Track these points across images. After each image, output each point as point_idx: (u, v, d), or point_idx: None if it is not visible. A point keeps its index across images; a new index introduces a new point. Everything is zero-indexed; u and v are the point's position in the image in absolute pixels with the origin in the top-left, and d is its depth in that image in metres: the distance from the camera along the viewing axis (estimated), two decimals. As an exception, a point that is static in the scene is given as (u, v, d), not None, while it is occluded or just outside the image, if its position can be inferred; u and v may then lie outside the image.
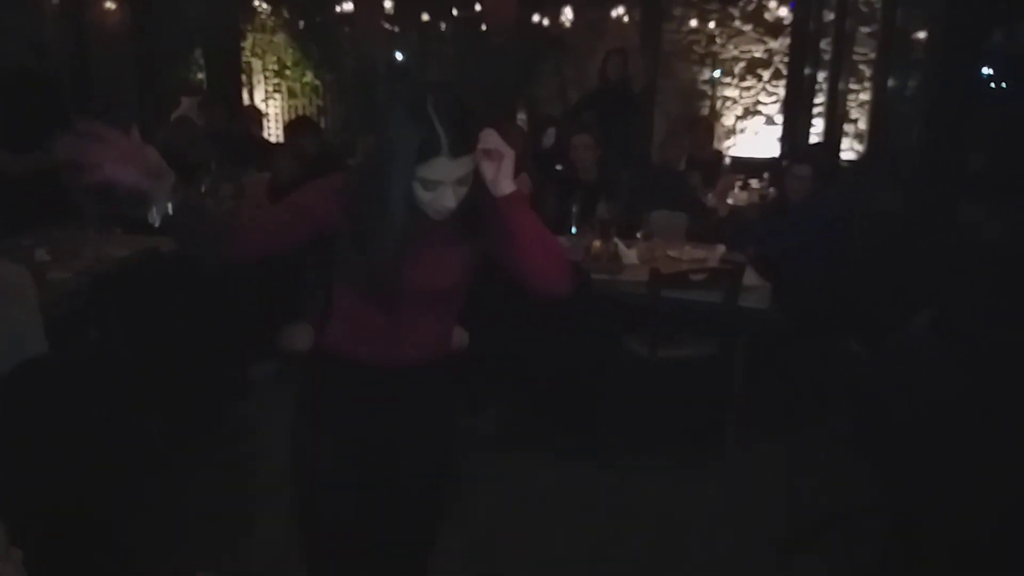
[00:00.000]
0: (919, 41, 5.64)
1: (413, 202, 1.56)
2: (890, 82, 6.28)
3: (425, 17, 8.92)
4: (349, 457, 1.79)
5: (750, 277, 3.57)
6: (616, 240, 3.77)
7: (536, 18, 8.26)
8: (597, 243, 3.72)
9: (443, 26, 8.95)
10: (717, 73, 8.33)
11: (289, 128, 5.62)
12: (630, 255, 3.82)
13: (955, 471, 2.30)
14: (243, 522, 2.93)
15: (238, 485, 3.22)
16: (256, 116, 6.38)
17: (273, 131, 8.93)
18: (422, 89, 1.55)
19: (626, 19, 8.30)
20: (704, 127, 6.58)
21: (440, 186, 1.53)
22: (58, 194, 4.52)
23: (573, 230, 4.06)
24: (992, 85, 4.87)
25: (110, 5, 7.11)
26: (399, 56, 8.96)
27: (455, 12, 8.71)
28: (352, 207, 1.59)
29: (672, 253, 3.97)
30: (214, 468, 3.30)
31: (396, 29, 8.98)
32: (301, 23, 8.67)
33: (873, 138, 6.81)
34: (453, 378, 1.92)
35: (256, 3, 8.50)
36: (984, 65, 4.74)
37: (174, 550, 2.68)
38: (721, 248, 4.05)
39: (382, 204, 1.54)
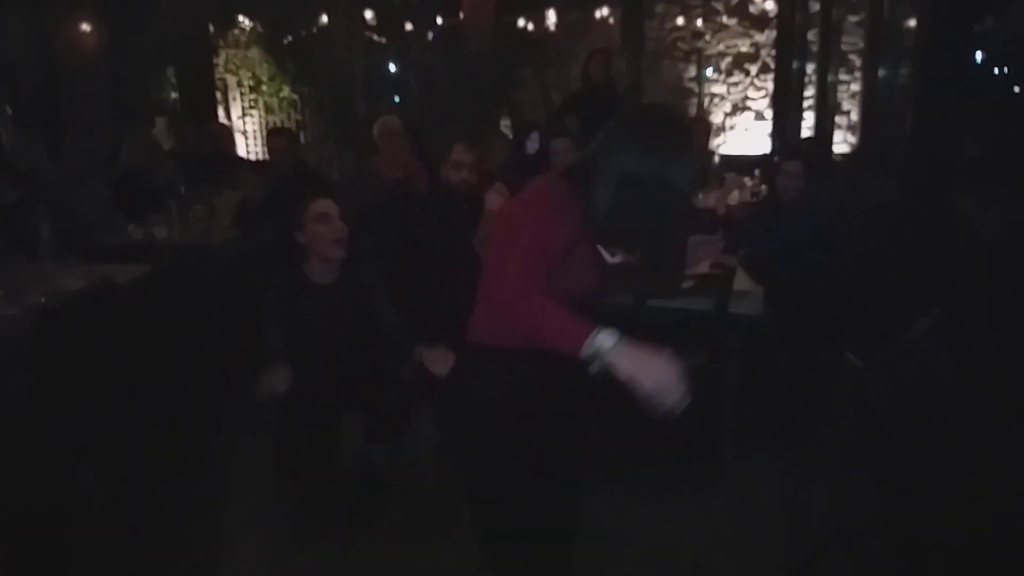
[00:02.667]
0: (909, 28, 5.46)
1: None
2: (880, 71, 6.09)
3: (409, 27, 8.78)
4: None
5: (741, 282, 3.39)
6: (599, 248, 3.57)
7: (520, 23, 8.12)
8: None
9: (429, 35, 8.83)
10: (709, 71, 8.17)
11: (268, 139, 5.66)
12: (614, 263, 3.63)
13: (959, 487, 2.12)
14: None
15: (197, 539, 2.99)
16: (226, 133, 6.18)
17: (252, 148, 8.77)
18: None
19: (611, 20, 8.15)
20: (701, 127, 6.39)
21: None
22: (15, 226, 4.35)
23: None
24: (992, 71, 4.69)
25: (84, 27, 6.94)
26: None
27: (439, 20, 8.55)
28: None
29: (659, 259, 3.78)
30: (169, 523, 3.02)
31: (383, 40, 8.85)
32: (288, 37, 8.46)
33: (865, 130, 6.63)
34: None
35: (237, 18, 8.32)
36: (977, 50, 4.56)
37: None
38: (712, 252, 3.87)
39: None
